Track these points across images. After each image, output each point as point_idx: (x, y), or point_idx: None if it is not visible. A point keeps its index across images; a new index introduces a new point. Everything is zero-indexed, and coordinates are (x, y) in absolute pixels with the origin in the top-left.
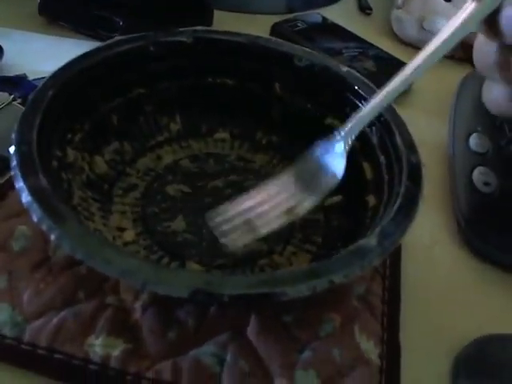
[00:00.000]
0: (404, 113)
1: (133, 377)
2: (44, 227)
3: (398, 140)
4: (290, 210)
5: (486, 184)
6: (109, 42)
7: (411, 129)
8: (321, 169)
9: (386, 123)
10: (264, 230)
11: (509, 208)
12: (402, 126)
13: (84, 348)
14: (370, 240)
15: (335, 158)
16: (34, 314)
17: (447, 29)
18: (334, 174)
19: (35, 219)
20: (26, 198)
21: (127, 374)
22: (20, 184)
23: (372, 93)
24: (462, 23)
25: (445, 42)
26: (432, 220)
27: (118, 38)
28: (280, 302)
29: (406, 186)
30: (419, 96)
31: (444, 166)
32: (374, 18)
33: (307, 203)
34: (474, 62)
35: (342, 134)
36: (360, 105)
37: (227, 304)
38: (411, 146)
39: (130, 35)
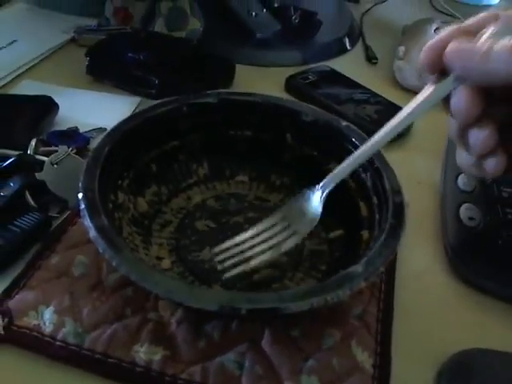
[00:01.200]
0: (403, 153)
1: (170, 378)
2: (107, 256)
3: (386, 184)
4: (276, 246)
5: (471, 218)
6: (148, 106)
7: (409, 168)
8: (302, 213)
9: (377, 169)
10: (254, 262)
11: (491, 239)
12: (390, 171)
13: (131, 354)
14: (357, 267)
15: (314, 205)
16: (91, 326)
17: (409, 107)
18: (313, 219)
19: (100, 250)
20: (92, 234)
21: (166, 375)
22: (88, 223)
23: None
24: (420, 103)
25: (407, 116)
26: (423, 250)
27: (156, 102)
28: (286, 315)
29: (389, 224)
30: (418, 137)
31: (437, 202)
32: (379, 67)
33: (290, 241)
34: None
35: (320, 186)
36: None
37: (245, 316)
38: (397, 189)
39: (166, 99)
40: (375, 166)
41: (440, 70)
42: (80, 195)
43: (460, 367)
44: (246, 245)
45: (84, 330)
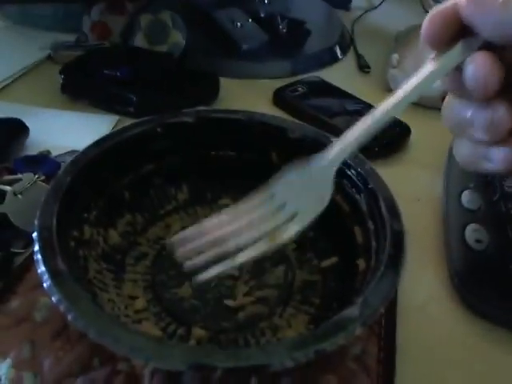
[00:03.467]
0: (400, 168)
1: None
2: (61, 309)
3: (383, 207)
4: (273, 236)
5: (478, 241)
6: (118, 128)
7: (407, 184)
8: (306, 191)
9: (372, 190)
10: (242, 259)
11: (500, 265)
12: (386, 192)
13: None
14: (353, 310)
15: (323, 179)
16: (53, 381)
17: (408, 85)
18: (322, 197)
19: (54, 301)
20: (46, 282)
21: None
22: (41, 269)
23: (355, 160)
24: (421, 81)
25: (405, 97)
26: (427, 276)
27: (128, 124)
28: (269, 372)
29: (388, 254)
30: (416, 150)
31: (439, 220)
32: (372, 76)
33: (291, 230)
34: (443, 120)
35: (330, 158)
36: (347, 171)
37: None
38: (395, 213)
39: (138, 120)
40: (369, 186)
41: (447, 42)
42: (34, 235)
43: None
44: (228, 243)
45: None
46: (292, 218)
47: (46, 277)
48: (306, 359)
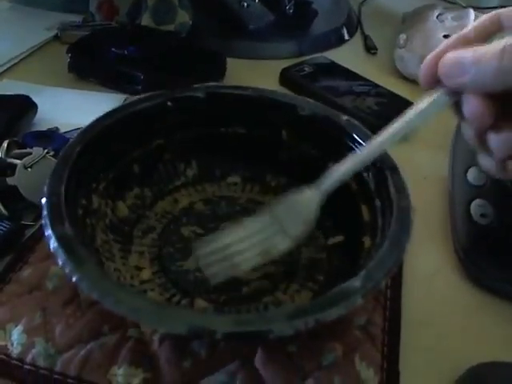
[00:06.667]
0: (407, 147)
1: None
2: (66, 270)
3: (391, 185)
4: (265, 251)
5: (483, 216)
6: (130, 100)
7: (414, 163)
8: (296, 215)
9: (380, 169)
10: (243, 268)
11: (505, 238)
12: (394, 170)
13: (107, 377)
14: (355, 282)
15: (311, 208)
16: (64, 346)
17: (414, 110)
18: (308, 223)
19: (60, 263)
20: (52, 244)
21: None
22: (48, 232)
23: (368, 139)
24: (424, 108)
25: (408, 122)
26: (432, 251)
27: (137, 96)
28: (270, 339)
29: (393, 230)
30: (423, 130)
31: (445, 198)
32: (379, 57)
33: (281, 246)
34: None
35: (318, 187)
36: (357, 150)
37: (221, 341)
38: (402, 191)
39: (149, 93)
40: (378, 165)
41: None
42: (43, 200)
43: (477, 383)
44: (234, 248)
45: (56, 351)
46: (284, 237)
47: (52, 240)
48: (306, 327)
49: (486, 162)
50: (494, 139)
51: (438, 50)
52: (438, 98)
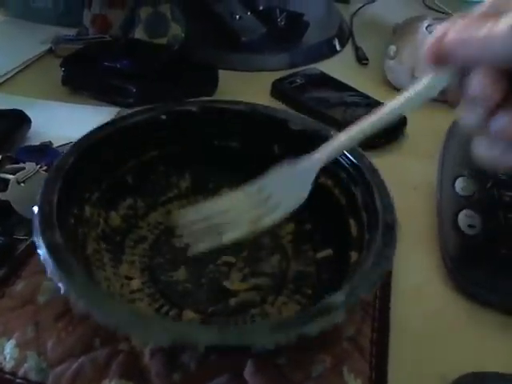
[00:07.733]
0: (397, 157)
1: None
2: (54, 279)
3: (377, 200)
4: (255, 221)
5: (471, 226)
6: (124, 113)
7: (403, 173)
8: (288, 185)
9: (368, 184)
10: (228, 238)
11: (492, 249)
12: (381, 185)
13: None
14: (338, 297)
15: (307, 179)
16: (56, 360)
17: (408, 92)
18: (301, 194)
19: (48, 272)
20: (42, 252)
21: None
22: (39, 240)
23: (355, 153)
24: (418, 91)
25: (402, 103)
26: (421, 261)
27: (133, 110)
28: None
29: (378, 246)
30: (412, 140)
31: (433, 207)
32: (370, 67)
33: (272, 218)
34: (461, 123)
35: (314, 158)
36: (345, 165)
37: (204, 354)
38: (388, 207)
39: (144, 107)
40: (366, 179)
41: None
42: (35, 209)
43: None
44: (220, 218)
45: (48, 365)
46: (273, 209)
47: (41, 248)
48: (288, 342)
49: (484, 150)
50: (500, 121)
51: (443, 27)
52: (443, 74)
